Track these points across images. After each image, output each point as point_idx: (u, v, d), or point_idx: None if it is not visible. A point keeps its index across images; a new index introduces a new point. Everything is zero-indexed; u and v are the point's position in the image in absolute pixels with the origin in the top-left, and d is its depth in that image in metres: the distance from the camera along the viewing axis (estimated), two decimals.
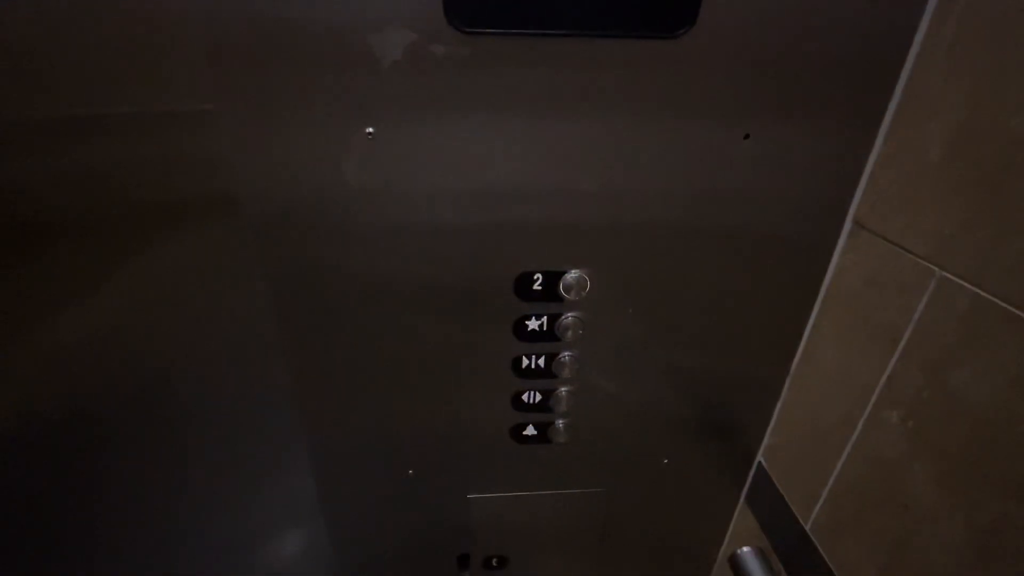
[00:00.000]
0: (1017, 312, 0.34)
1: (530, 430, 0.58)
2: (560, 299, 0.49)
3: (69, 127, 0.39)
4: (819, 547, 0.53)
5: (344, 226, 0.45)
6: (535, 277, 0.48)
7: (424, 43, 0.38)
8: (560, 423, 0.58)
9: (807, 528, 0.55)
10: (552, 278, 0.48)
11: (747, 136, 0.43)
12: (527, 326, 0.51)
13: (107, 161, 0.41)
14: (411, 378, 0.54)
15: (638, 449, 0.62)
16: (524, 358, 0.53)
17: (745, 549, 0.59)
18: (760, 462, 0.64)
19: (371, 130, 0.41)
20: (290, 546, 0.69)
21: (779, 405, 0.60)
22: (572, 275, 0.48)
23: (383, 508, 0.64)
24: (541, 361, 0.53)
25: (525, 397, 0.55)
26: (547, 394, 0.56)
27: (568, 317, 0.51)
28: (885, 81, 0.42)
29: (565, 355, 0.53)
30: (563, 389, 0.56)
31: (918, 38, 0.41)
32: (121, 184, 0.42)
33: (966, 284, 0.38)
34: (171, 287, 0.47)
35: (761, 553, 0.59)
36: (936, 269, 0.40)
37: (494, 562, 0.71)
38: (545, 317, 0.51)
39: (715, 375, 0.57)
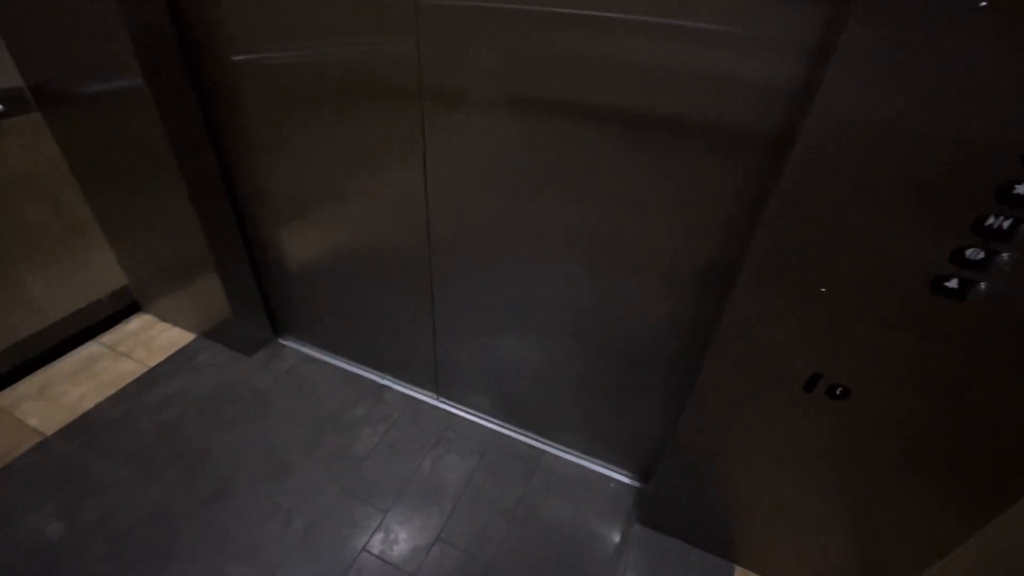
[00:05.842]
0: None
1: (953, 283, 0.71)
2: None
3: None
4: None
5: None
6: None
7: None
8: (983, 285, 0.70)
9: None
10: None
11: None
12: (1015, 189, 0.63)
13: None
14: None
15: None
16: (991, 216, 0.65)
17: None
18: None
19: None
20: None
21: None
22: None
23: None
24: (1006, 224, 0.65)
25: (969, 253, 0.69)
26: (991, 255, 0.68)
27: None
28: None
29: None
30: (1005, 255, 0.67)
31: None
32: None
33: None
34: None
35: None
36: None
37: (838, 391, 0.89)
38: None
39: None
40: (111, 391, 1.61)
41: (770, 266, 0.82)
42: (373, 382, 1.71)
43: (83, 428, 1.50)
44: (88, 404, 1.56)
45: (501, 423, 1.58)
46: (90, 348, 1.76)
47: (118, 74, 1.24)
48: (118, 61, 1.21)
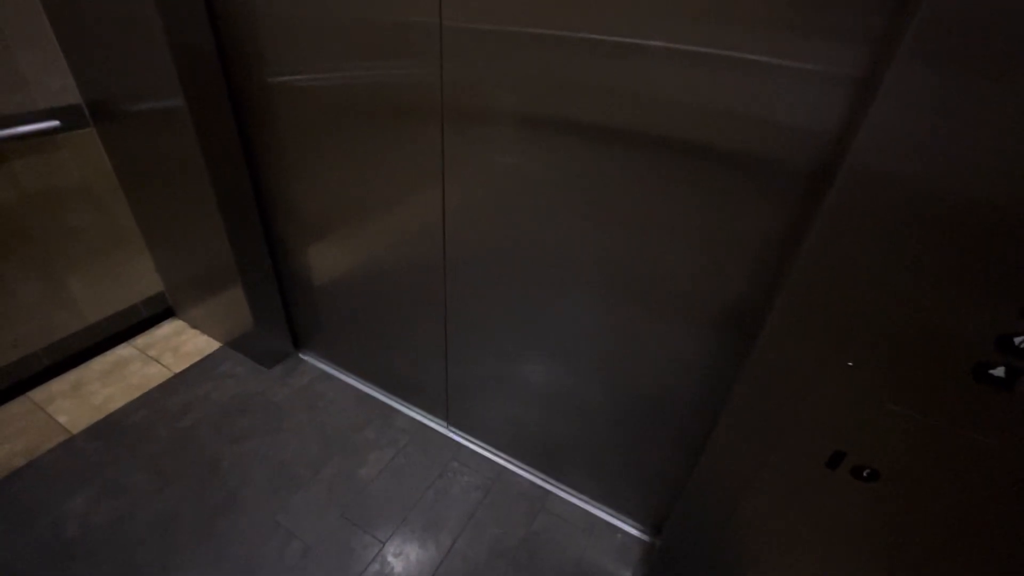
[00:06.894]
0: None
1: (999, 371, 0.64)
2: None
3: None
4: None
5: None
6: None
7: None
8: None
9: None
10: None
11: None
12: None
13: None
14: None
15: None
16: None
17: None
18: None
19: None
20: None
21: None
22: None
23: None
24: None
25: (1018, 341, 0.61)
26: None
27: None
28: None
29: None
30: None
31: None
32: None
33: None
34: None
35: None
36: None
37: (865, 474, 0.81)
38: None
39: None
40: (137, 394, 1.67)
41: (793, 324, 0.76)
42: (385, 404, 1.70)
43: (107, 429, 1.55)
44: (114, 406, 1.62)
45: (509, 458, 1.54)
46: (123, 350, 1.83)
47: (163, 94, 1.30)
48: (163, 83, 1.27)
